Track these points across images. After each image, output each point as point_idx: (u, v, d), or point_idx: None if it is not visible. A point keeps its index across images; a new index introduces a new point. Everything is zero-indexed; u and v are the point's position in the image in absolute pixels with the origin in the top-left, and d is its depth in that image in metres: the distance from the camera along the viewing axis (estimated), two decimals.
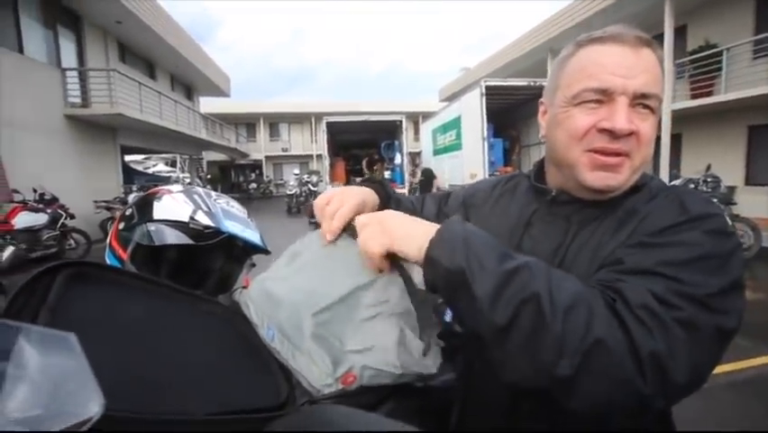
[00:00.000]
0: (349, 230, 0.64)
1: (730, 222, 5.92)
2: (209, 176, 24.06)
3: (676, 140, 10.05)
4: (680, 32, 9.83)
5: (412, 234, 0.54)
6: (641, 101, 0.57)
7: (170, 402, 0.43)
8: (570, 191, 0.66)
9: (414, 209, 0.87)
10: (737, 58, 8.82)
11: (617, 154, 0.58)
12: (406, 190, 11.55)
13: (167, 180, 15.93)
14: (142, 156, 14.15)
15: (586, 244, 0.61)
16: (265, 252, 1.09)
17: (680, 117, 9.41)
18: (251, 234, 1.04)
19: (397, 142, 12.37)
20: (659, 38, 9.97)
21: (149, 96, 12.17)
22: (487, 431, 0.68)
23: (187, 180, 18.42)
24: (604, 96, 0.58)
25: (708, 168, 6.88)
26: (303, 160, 28.30)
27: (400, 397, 0.59)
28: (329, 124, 11.83)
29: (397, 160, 12.08)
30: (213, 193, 1.08)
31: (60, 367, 0.30)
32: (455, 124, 10.46)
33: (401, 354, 0.53)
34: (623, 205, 0.62)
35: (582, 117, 0.60)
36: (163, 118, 12.78)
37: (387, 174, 12.57)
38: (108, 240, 1.02)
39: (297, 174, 17.57)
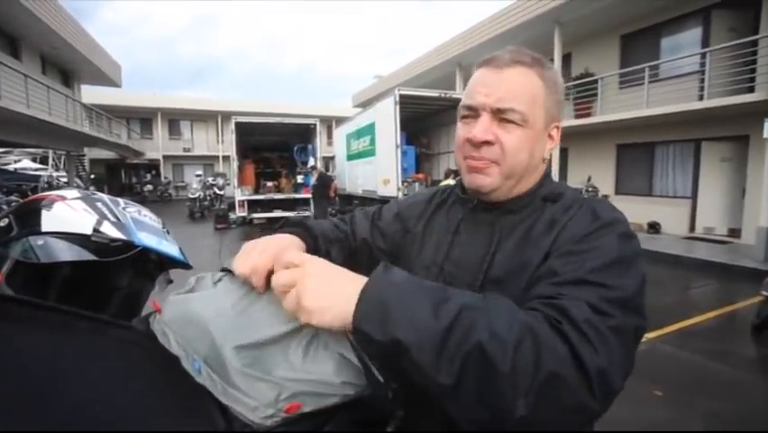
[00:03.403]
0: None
1: None
2: (93, 176, 21.19)
3: (564, 154, 11.38)
4: (566, 59, 11.21)
5: (333, 306, 0.49)
6: (501, 115, 0.64)
7: None
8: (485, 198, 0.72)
9: (344, 236, 0.86)
10: (609, 86, 10.32)
11: (482, 160, 0.67)
12: None
13: (35, 180, 13.63)
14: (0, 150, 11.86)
15: (512, 251, 0.66)
16: (185, 266, 0.97)
17: (566, 134, 10.62)
18: (169, 247, 0.92)
19: (311, 147, 12.09)
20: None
21: (10, 79, 10.25)
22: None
23: (64, 180, 15.98)
24: (473, 112, 0.67)
25: (589, 179, 7.90)
26: (207, 161, 26.28)
27: (343, 414, 0.55)
28: (239, 125, 11.14)
29: (311, 164, 11.83)
30: (120, 200, 0.94)
31: None
32: (369, 130, 10.56)
33: (342, 372, 0.51)
34: (543, 215, 0.67)
35: (461, 131, 0.69)
36: (31, 106, 10.84)
37: (300, 178, 12.23)
38: None
39: (199, 175, 16.26)
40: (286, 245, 0.67)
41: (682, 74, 9.02)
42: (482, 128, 0.65)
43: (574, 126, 10.54)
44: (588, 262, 0.55)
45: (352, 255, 0.85)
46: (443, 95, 9.21)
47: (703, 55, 8.27)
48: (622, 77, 10.12)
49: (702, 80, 8.21)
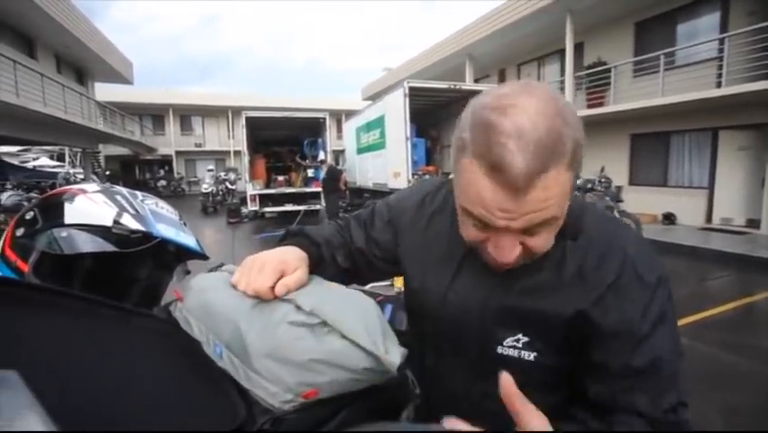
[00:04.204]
0: None
1: (618, 216, 6.82)
2: (108, 172, 21.55)
3: None
4: (578, 48, 10.98)
5: None
6: (530, 231, 0.55)
7: None
8: None
9: (344, 242, 0.81)
10: (622, 75, 10.10)
11: None
12: None
13: (53, 177, 13.92)
14: (18, 148, 12.10)
15: (522, 297, 0.62)
16: (202, 257, 0.99)
17: None
18: (186, 238, 0.94)
19: (320, 140, 12.12)
20: (561, 52, 11.05)
21: (27, 78, 10.43)
22: None
23: (80, 177, 16.29)
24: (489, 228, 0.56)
25: (602, 170, 7.76)
26: (219, 156, 26.53)
27: (360, 402, 0.56)
28: (249, 120, 11.21)
29: (321, 157, 11.86)
30: (138, 193, 0.97)
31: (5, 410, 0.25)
32: (379, 123, 10.53)
33: (360, 360, 0.52)
34: (565, 265, 0.62)
35: (472, 231, 0.58)
36: (48, 105, 11.04)
37: (310, 172, 12.28)
38: None
39: (211, 170, 16.44)
40: (286, 259, 0.63)
41: (699, 61, 8.78)
42: (508, 251, 0.55)
43: (586, 116, 10.36)
44: (647, 350, 0.59)
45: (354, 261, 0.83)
46: (452, 86, 9.12)
47: (721, 41, 8.04)
48: (636, 65, 9.89)
49: (720, 67, 7.98)
